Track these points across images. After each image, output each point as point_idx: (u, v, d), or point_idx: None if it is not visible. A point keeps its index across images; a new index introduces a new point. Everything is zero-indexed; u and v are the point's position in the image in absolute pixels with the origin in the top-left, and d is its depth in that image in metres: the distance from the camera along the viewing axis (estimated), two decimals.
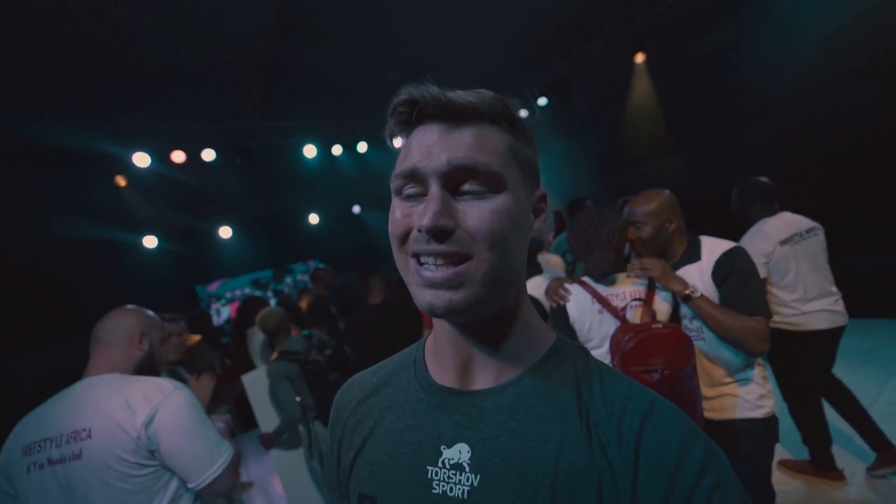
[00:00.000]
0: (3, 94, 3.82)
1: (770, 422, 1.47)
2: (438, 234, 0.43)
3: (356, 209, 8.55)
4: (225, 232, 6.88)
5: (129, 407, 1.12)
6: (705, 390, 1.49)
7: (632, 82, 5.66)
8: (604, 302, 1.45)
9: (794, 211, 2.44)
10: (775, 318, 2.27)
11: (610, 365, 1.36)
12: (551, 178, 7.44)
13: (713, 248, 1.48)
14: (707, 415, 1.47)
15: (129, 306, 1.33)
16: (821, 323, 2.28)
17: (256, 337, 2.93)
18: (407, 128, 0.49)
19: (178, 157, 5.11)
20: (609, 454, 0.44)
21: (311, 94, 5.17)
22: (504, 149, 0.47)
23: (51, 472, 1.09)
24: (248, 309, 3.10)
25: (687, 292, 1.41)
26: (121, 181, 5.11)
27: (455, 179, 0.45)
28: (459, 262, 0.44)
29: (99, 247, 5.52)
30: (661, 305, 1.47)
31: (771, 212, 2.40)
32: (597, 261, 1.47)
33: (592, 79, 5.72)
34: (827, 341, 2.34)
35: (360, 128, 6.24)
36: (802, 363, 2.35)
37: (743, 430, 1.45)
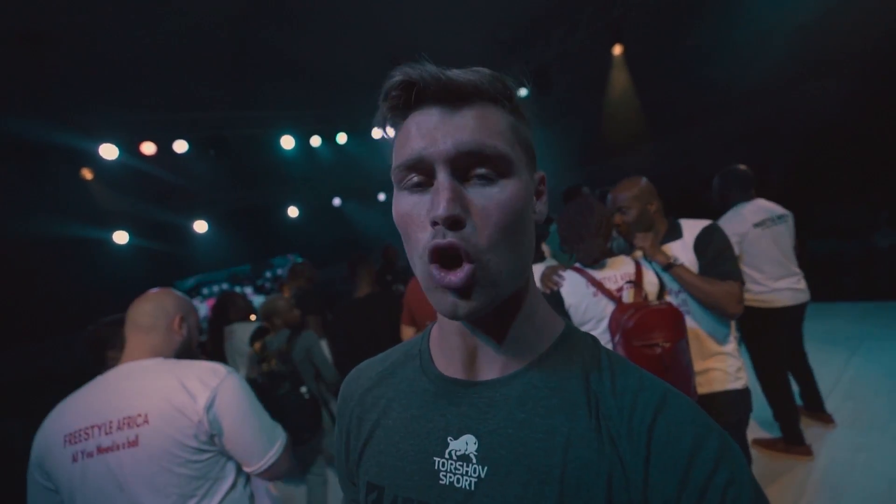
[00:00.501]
0: None
1: (746, 392, 1.60)
2: (453, 223, 0.41)
3: (336, 201, 8.44)
4: (200, 226, 6.69)
5: (186, 391, 1.09)
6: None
7: (610, 73, 5.73)
8: (598, 285, 1.54)
9: (764, 196, 2.62)
10: (747, 295, 2.48)
11: (611, 343, 1.41)
12: None
13: (693, 226, 1.64)
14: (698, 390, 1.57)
15: (155, 290, 1.27)
16: (786, 300, 2.49)
17: (235, 334, 2.85)
18: (401, 113, 0.46)
19: (149, 148, 4.92)
20: (620, 448, 0.43)
21: (287, 82, 5.03)
22: (507, 129, 0.45)
23: (101, 461, 1.03)
24: (225, 305, 3.01)
25: (669, 261, 1.55)
26: (87, 174, 4.89)
27: (463, 165, 0.43)
28: (472, 259, 0.42)
29: (66, 244, 5.29)
30: (651, 286, 1.58)
31: (748, 198, 2.59)
32: (588, 248, 1.57)
33: (571, 69, 5.76)
34: (792, 317, 2.57)
35: (339, 118, 6.13)
36: (772, 338, 2.56)
37: (727, 402, 1.56)
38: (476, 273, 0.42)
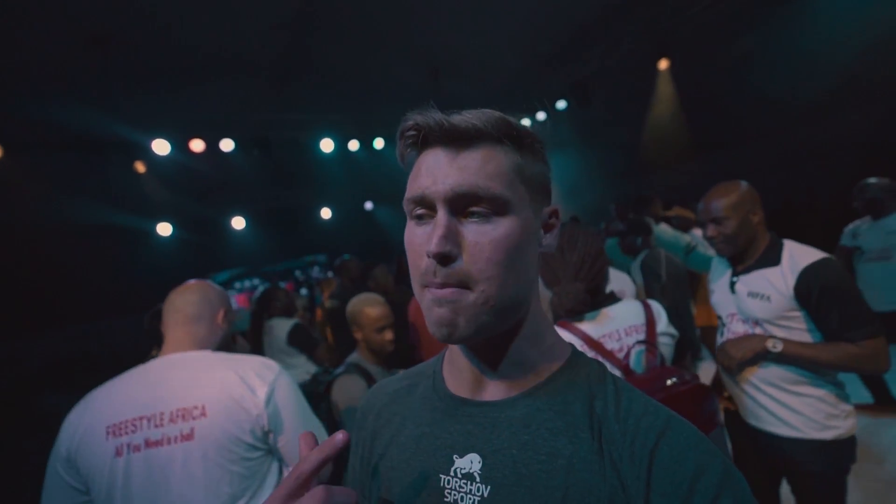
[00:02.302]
0: (23, 78, 3.90)
1: (839, 444, 1.31)
2: (444, 258, 0.45)
3: (368, 205, 8.59)
4: (238, 223, 6.96)
5: (245, 384, 1.03)
6: (765, 401, 1.36)
7: (654, 88, 5.58)
8: (597, 347, 1.17)
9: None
10: None
11: None
12: (566, 182, 7.38)
13: (797, 254, 1.31)
14: (770, 428, 1.37)
15: (196, 281, 1.22)
16: None
17: (273, 330, 2.89)
18: (416, 150, 0.51)
19: (198, 145, 5.17)
20: (621, 472, 0.43)
21: (330, 88, 5.20)
22: (509, 169, 0.48)
23: (149, 456, 0.95)
24: (268, 299, 3.05)
25: (769, 348, 1.27)
26: (140, 167, 5.19)
27: (460, 204, 0.46)
28: (463, 287, 0.46)
29: (114, 232, 5.63)
30: (665, 347, 1.22)
31: None
32: (561, 294, 1.18)
33: (613, 83, 5.65)
34: None
35: (378, 124, 6.25)
36: None
37: (808, 450, 1.32)
38: (461, 299, 0.45)
